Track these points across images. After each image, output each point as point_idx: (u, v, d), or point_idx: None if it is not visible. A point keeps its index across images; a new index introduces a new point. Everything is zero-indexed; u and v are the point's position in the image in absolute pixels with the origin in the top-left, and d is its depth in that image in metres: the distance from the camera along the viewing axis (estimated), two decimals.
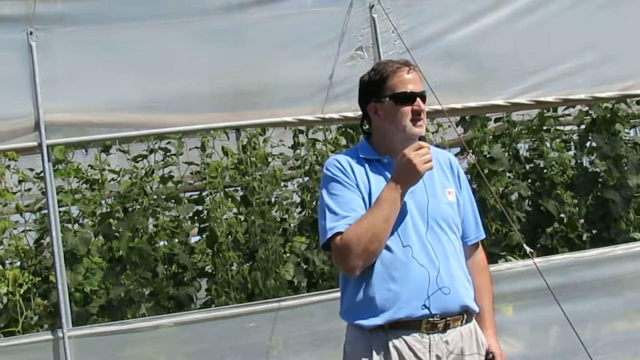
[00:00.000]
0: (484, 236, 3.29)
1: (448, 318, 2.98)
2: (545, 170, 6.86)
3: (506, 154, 6.77)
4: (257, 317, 4.81)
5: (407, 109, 3.06)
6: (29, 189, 6.58)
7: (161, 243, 6.26)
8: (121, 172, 6.56)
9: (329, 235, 2.97)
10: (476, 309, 3.10)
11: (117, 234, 6.11)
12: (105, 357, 4.70)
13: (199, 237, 6.65)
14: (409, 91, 3.07)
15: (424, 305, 2.94)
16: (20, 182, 6.45)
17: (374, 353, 2.97)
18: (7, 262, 6.27)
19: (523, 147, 7.14)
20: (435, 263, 2.97)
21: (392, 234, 2.98)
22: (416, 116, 3.06)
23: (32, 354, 4.63)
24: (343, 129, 6.60)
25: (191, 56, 4.86)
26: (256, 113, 4.86)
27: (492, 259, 6.04)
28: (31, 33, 4.66)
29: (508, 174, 6.82)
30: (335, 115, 4.91)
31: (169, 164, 6.50)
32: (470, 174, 6.45)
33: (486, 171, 6.42)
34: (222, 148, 6.69)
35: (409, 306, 2.94)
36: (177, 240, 6.29)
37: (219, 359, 4.80)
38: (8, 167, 6.36)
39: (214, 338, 4.77)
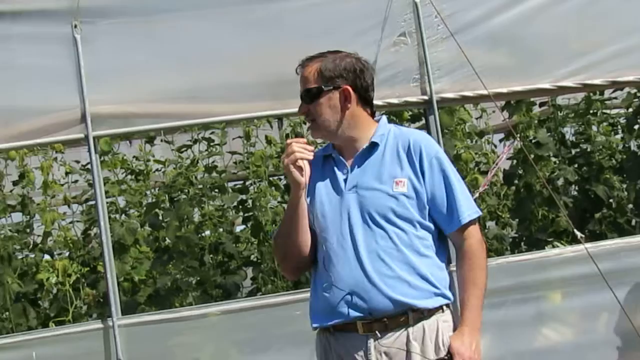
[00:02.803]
0: (465, 221, 2.99)
1: (385, 319, 2.89)
2: (592, 155, 6.76)
3: (552, 139, 6.69)
4: (304, 305, 4.77)
5: None
6: (76, 181, 6.67)
7: (206, 232, 6.31)
8: (166, 163, 6.61)
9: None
10: (429, 305, 2.93)
11: (163, 223, 6.16)
12: (154, 346, 4.73)
13: (243, 226, 6.68)
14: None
15: (350, 306, 2.89)
16: (67, 174, 6.55)
17: (320, 356, 3.04)
18: (55, 252, 6.37)
19: (569, 132, 7.05)
20: (361, 263, 2.90)
21: (328, 233, 2.97)
22: (306, 118, 3.11)
23: (82, 343, 4.67)
24: (386, 116, 6.55)
25: (233, 45, 4.86)
26: (299, 101, 4.84)
27: (539, 245, 5.99)
28: (75, 26, 4.69)
29: (554, 159, 6.74)
30: (379, 102, 4.85)
31: (213, 153, 6.53)
32: (517, 159, 6.39)
33: (532, 156, 6.34)
34: (266, 137, 6.70)
35: (335, 311, 2.92)
36: (221, 229, 6.33)
37: (266, 346, 4.81)
38: (55, 159, 6.45)
39: (261, 326, 4.77)
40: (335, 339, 2.97)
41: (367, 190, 2.97)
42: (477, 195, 5.48)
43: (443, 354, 2.91)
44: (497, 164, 5.35)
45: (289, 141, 2.97)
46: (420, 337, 2.91)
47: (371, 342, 2.90)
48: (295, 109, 4.89)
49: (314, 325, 3.03)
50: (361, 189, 2.97)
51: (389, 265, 2.91)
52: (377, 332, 2.90)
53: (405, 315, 2.90)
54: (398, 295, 2.89)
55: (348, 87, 3.03)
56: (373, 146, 3.04)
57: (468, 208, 3.02)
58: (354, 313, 2.90)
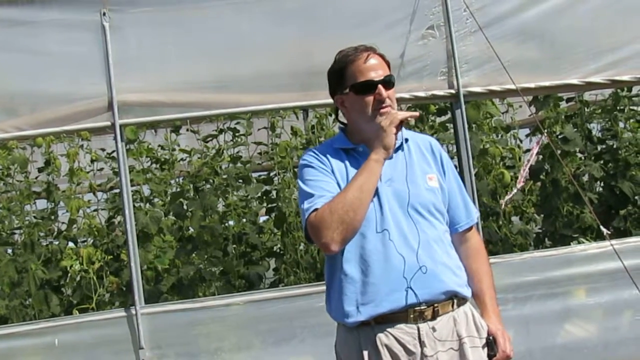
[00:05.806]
0: (475, 220, 3.16)
1: (436, 305, 2.90)
2: (619, 151, 6.71)
3: (578, 135, 6.65)
4: None
5: (369, 99, 2.93)
6: (101, 169, 6.70)
7: (230, 222, 6.31)
8: (192, 152, 6.63)
9: (306, 215, 2.88)
10: (467, 294, 3.00)
11: (188, 213, 6.17)
12: (177, 335, 4.75)
13: (267, 217, 6.68)
14: (367, 79, 2.94)
15: (408, 293, 2.86)
16: (92, 161, 6.58)
17: (364, 353, 2.90)
18: (80, 240, 6.41)
19: (596, 128, 7.00)
20: (414, 251, 2.88)
21: (368, 223, 2.89)
22: (379, 105, 2.94)
23: (105, 330, 4.71)
24: (413, 109, 6.53)
25: (262, 36, 4.86)
26: (327, 93, 4.83)
27: (564, 241, 5.96)
28: (104, 14, 4.71)
29: (579, 155, 6.70)
30: (406, 95, 4.87)
31: (238, 144, 6.54)
32: (543, 154, 6.35)
33: (559, 152, 6.30)
34: (291, 128, 6.69)
35: (390, 299, 2.87)
36: (245, 220, 6.34)
37: (289, 337, 4.82)
38: (81, 146, 6.48)
39: (284, 317, 4.79)
40: (378, 330, 2.91)
41: (404, 183, 2.97)
42: (515, 192, 5.46)
43: (484, 334, 3.00)
44: (530, 161, 5.32)
45: (387, 109, 2.93)
46: (464, 321, 2.97)
47: (423, 329, 2.90)
48: (323, 101, 4.96)
49: (360, 319, 2.90)
50: (397, 183, 2.97)
51: (439, 253, 2.95)
52: (427, 318, 2.91)
53: (452, 301, 2.96)
54: (449, 281, 2.94)
55: None
56: (402, 142, 3.06)
57: (474, 208, 3.20)
58: (409, 301, 2.88)
